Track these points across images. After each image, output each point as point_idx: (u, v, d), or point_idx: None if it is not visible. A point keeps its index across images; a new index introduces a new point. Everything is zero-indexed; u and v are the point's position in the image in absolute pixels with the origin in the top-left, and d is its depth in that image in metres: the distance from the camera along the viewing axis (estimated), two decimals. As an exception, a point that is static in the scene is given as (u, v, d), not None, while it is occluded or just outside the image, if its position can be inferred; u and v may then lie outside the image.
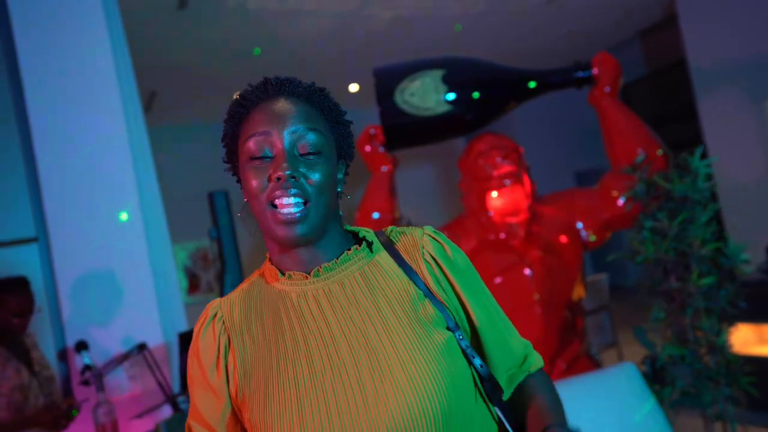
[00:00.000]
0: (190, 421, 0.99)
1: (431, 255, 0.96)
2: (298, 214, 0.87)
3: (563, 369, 2.77)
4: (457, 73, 2.93)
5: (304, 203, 0.88)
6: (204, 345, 0.95)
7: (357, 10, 5.42)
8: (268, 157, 0.90)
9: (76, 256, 2.95)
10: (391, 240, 0.99)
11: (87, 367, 2.54)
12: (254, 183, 0.89)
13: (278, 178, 0.87)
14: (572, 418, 0.99)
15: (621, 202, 2.82)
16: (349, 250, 0.96)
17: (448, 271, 0.95)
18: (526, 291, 2.74)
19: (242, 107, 0.93)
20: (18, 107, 3.08)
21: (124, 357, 2.70)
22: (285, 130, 0.89)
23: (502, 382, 0.97)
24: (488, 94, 2.92)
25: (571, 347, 2.84)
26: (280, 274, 0.95)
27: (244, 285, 1.00)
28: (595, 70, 2.90)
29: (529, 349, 1.02)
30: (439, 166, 9.09)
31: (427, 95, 2.88)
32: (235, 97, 0.95)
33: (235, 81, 6.57)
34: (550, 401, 0.96)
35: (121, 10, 3.39)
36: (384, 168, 3.13)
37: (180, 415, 2.61)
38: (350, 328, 0.89)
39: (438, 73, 2.90)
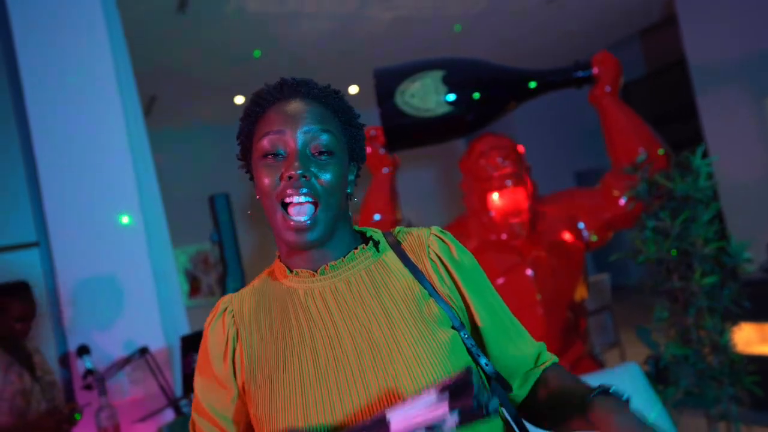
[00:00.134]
0: (195, 416, 0.99)
1: (437, 254, 0.97)
2: (308, 222, 0.89)
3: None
4: (458, 74, 2.93)
5: (314, 203, 0.90)
6: (213, 337, 0.97)
7: (356, 12, 5.42)
8: (280, 155, 0.91)
9: (77, 261, 2.95)
10: (398, 240, 1.01)
11: (89, 372, 2.54)
12: (266, 181, 0.91)
13: (290, 177, 0.89)
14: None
15: (623, 201, 2.81)
16: (356, 249, 0.97)
17: (453, 271, 0.96)
18: (528, 291, 2.74)
19: (258, 106, 0.96)
20: (18, 113, 3.08)
21: (126, 361, 2.69)
22: (298, 130, 0.91)
23: (515, 381, 0.98)
24: (488, 94, 2.92)
25: (573, 348, 2.83)
26: (288, 271, 0.97)
27: (255, 282, 1.03)
28: (595, 70, 2.90)
29: (542, 348, 1.02)
30: (439, 167, 9.09)
31: (427, 96, 2.88)
32: (251, 96, 0.98)
33: (235, 84, 6.60)
34: (580, 380, 0.96)
35: (120, 14, 3.39)
36: (385, 169, 3.13)
37: (182, 418, 2.61)
38: (355, 325, 0.90)
39: (438, 74, 2.90)
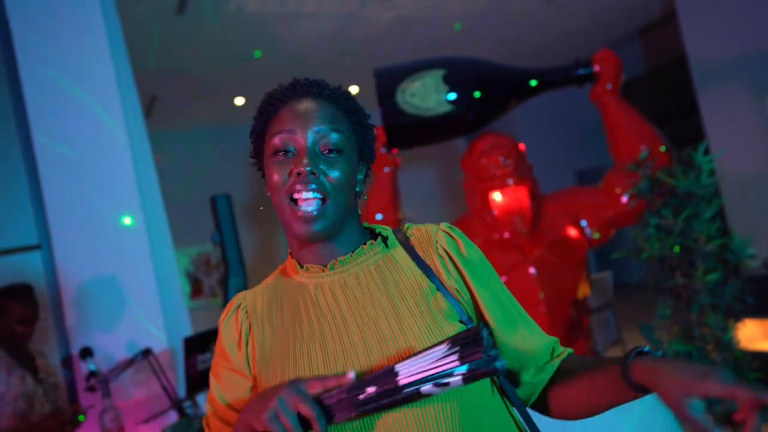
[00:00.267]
0: (210, 413, 0.99)
1: (444, 249, 0.99)
2: (315, 212, 0.92)
3: (569, 368, 2.77)
4: (458, 73, 2.93)
5: (322, 200, 0.92)
6: (227, 331, 1.00)
7: (356, 12, 5.42)
8: (291, 153, 0.94)
9: (79, 263, 2.95)
10: (406, 236, 1.03)
11: (92, 374, 2.53)
12: (276, 177, 0.94)
13: (299, 173, 0.92)
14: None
15: (625, 199, 2.81)
16: (365, 244, 0.99)
17: (461, 266, 0.98)
18: (531, 290, 2.74)
19: (271, 105, 0.98)
20: (18, 113, 3.08)
21: (129, 363, 2.69)
22: (309, 130, 0.94)
23: (528, 372, 0.97)
24: (489, 93, 2.91)
25: (576, 345, 2.83)
26: (299, 267, 1.00)
27: (268, 279, 1.05)
28: (596, 67, 2.90)
29: (556, 342, 1.01)
30: (440, 166, 9.08)
31: (428, 95, 2.88)
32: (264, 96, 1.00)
33: (236, 84, 6.60)
34: (604, 357, 0.95)
35: (120, 14, 3.38)
36: (386, 169, 3.13)
37: (186, 420, 2.61)
38: (363, 319, 0.92)
39: (439, 73, 2.90)
